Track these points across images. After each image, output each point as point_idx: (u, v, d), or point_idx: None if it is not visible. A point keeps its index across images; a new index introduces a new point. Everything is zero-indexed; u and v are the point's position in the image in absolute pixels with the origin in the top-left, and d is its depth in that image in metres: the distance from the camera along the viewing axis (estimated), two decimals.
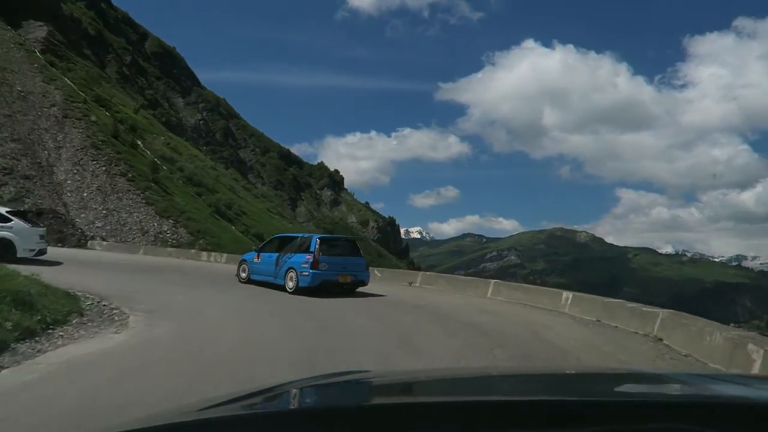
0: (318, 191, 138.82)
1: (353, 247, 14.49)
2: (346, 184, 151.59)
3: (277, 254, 13.98)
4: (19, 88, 39.68)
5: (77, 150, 38.05)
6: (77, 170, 36.71)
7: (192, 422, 1.09)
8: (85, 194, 35.67)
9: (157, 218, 37.56)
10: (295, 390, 1.43)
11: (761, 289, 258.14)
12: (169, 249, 28.42)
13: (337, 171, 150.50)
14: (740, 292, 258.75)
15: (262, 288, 13.81)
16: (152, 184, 40.37)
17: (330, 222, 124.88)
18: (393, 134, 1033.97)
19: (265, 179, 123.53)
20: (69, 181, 35.70)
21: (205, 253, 25.70)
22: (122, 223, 35.69)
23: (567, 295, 12.15)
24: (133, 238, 35.28)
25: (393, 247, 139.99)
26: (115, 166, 38.57)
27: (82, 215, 34.17)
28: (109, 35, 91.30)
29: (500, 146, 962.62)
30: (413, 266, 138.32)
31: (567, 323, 10.47)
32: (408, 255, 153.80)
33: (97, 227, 34.12)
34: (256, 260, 14.72)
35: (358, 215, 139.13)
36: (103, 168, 37.84)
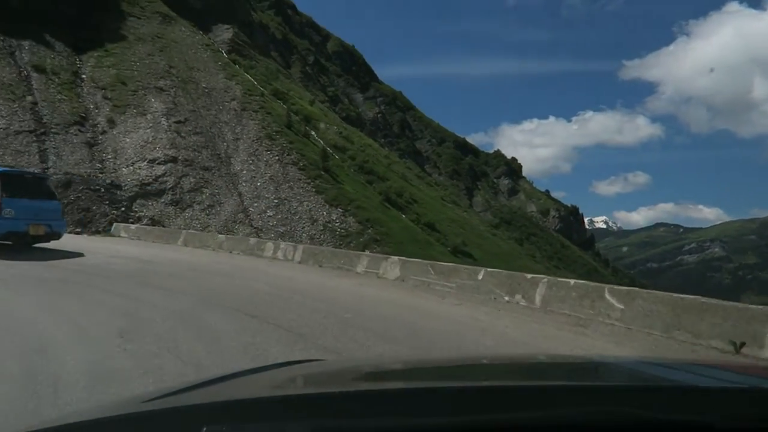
0: (495, 180, 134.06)
1: (44, 187, 10.93)
2: (524, 173, 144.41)
3: None
4: (204, 85, 42.09)
5: (253, 141, 39.09)
6: (252, 161, 37.62)
7: (140, 414, 1.01)
8: (258, 184, 36.33)
9: (327, 207, 37.03)
10: (250, 378, 1.36)
11: None
12: (220, 238, 19.19)
13: (514, 159, 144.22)
14: None
15: None
16: (322, 173, 40.10)
17: (508, 211, 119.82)
18: (573, 119, 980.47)
19: (441, 169, 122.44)
20: (245, 172, 36.64)
21: (271, 244, 16.74)
22: (293, 212, 35.69)
23: None
24: (303, 228, 35.04)
25: (576, 238, 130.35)
26: (287, 155, 38.91)
27: (255, 204, 34.77)
28: (294, 38, 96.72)
29: (698, 125, 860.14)
30: (599, 258, 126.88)
31: None
32: (593, 246, 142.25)
33: (269, 216, 34.45)
34: None
35: (538, 204, 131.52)
36: (276, 158, 38.35)
